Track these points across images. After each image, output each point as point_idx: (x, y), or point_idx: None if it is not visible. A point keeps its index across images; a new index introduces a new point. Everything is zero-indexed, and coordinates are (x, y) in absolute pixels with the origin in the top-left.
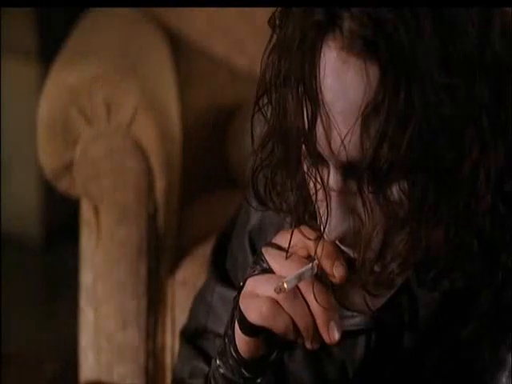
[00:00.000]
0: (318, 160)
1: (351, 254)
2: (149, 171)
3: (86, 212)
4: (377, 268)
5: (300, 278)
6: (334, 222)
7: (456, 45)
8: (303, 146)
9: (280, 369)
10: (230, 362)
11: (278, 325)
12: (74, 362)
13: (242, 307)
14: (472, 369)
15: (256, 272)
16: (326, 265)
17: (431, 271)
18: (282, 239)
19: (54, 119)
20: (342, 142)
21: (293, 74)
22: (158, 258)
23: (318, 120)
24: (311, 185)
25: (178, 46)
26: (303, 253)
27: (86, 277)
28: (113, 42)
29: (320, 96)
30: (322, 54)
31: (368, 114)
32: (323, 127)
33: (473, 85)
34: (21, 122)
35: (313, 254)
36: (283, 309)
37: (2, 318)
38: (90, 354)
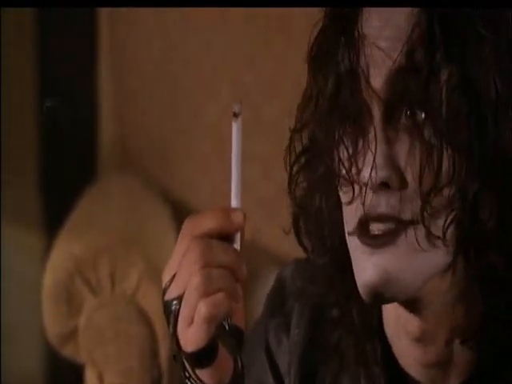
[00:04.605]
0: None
1: (391, 211)
2: (153, 338)
3: (90, 378)
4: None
5: None
6: (379, 163)
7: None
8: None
9: None
10: None
11: None
12: None
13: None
14: None
15: None
16: None
17: (476, 245)
18: None
19: (58, 288)
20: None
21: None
22: None
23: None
24: (350, 141)
25: (181, 214)
26: None
27: None
28: (117, 212)
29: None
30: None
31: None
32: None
33: None
34: (25, 289)
35: None
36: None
37: None
38: None
